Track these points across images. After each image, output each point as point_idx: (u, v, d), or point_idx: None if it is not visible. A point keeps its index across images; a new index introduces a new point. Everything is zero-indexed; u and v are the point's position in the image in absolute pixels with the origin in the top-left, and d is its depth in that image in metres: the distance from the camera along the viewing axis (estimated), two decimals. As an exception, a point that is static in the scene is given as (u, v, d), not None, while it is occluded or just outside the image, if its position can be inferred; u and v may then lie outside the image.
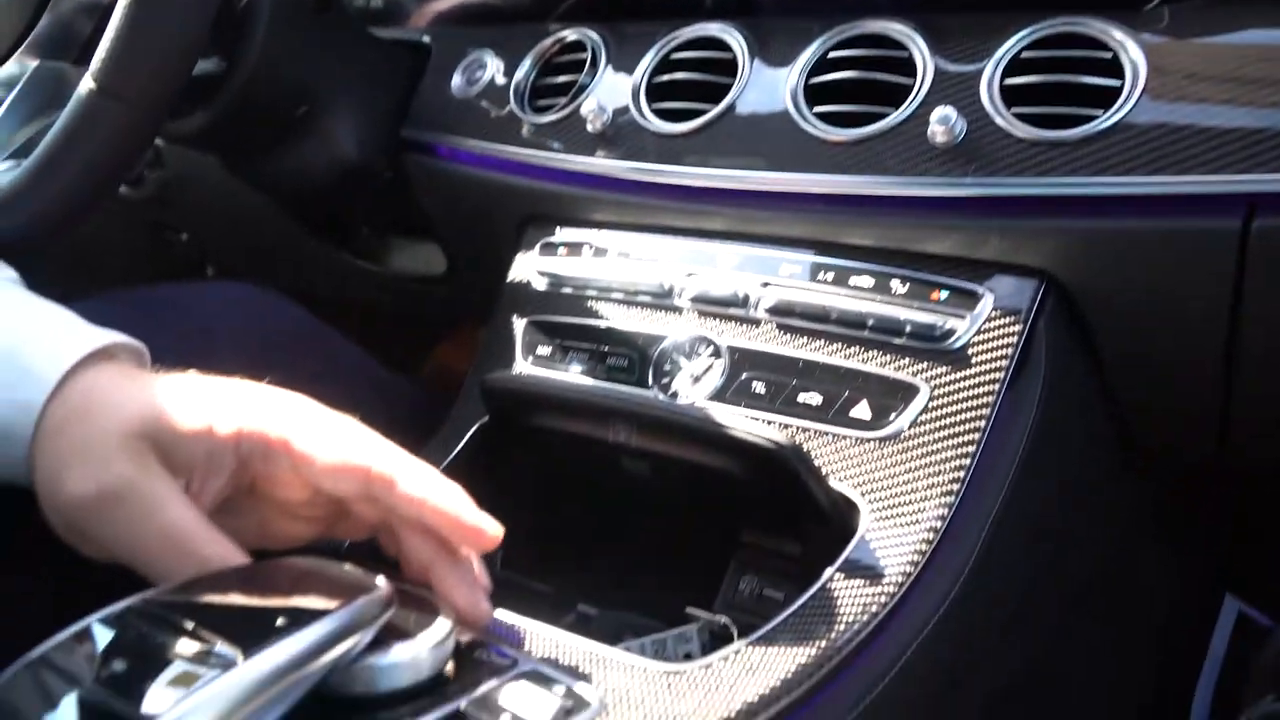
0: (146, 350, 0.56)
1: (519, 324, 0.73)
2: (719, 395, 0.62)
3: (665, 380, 0.65)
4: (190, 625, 0.40)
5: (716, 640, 0.54)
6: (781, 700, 0.46)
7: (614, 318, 0.69)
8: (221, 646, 0.39)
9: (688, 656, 0.54)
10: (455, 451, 0.66)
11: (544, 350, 0.70)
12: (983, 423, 0.56)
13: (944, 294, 0.60)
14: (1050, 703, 0.67)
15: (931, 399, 0.58)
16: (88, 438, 0.49)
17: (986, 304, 0.59)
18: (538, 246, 0.75)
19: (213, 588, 0.45)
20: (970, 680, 0.58)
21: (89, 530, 0.49)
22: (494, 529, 0.49)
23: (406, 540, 0.51)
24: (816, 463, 0.56)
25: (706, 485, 0.59)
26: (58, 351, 0.51)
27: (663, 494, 0.63)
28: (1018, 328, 0.58)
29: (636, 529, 0.66)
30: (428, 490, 0.49)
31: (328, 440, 0.50)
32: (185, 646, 0.39)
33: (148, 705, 0.37)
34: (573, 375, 0.68)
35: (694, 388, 0.64)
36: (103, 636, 0.41)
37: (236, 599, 0.44)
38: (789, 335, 0.63)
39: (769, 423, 0.58)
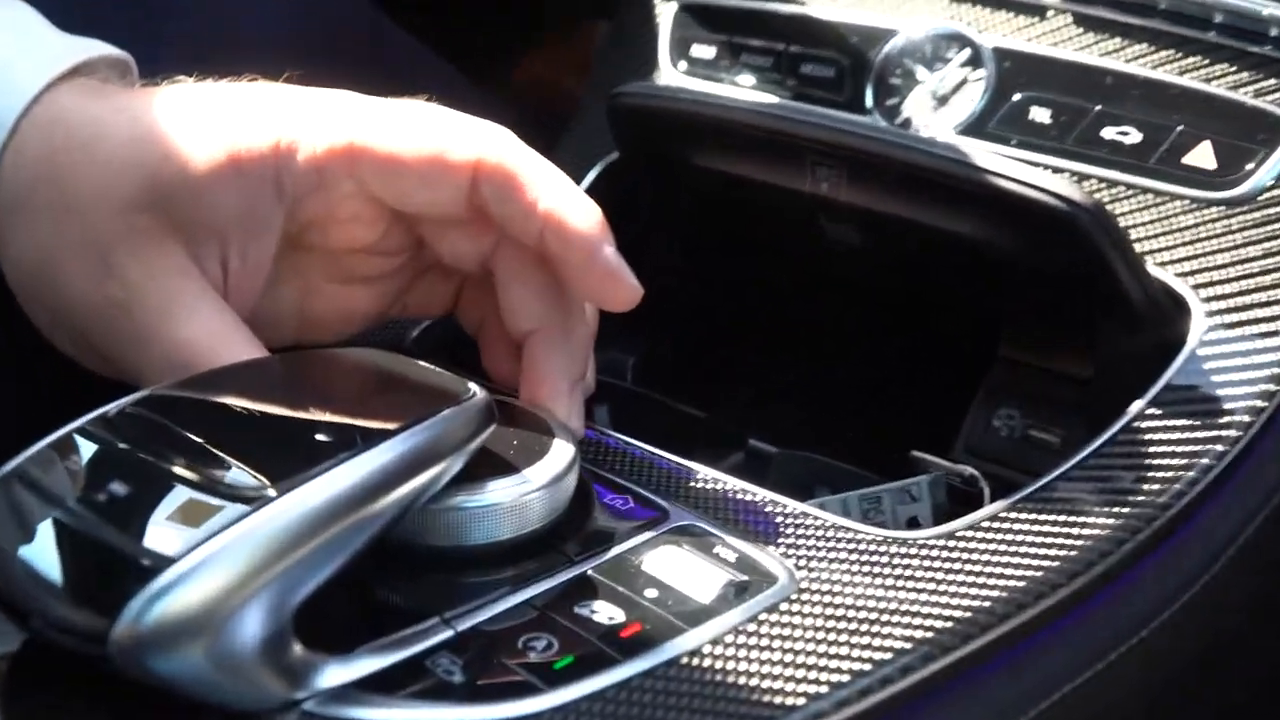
0: (133, 62, 0.56)
1: (664, 9, 0.70)
2: (977, 125, 0.61)
3: (893, 100, 0.63)
4: (203, 440, 0.41)
5: (957, 499, 0.54)
6: (1060, 590, 0.45)
7: None
8: (246, 473, 0.40)
9: (911, 522, 0.54)
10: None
11: (703, 50, 0.68)
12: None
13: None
14: None
15: (1316, 141, 0.55)
16: (72, 215, 0.49)
17: None
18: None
19: (235, 388, 0.45)
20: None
21: (90, 340, 0.50)
22: (634, 282, 0.49)
23: (510, 291, 0.51)
24: (1129, 234, 0.54)
25: (949, 266, 0.58)
26: (13, 78, 0.51)
27: (879, 277, 0.62)
28: None
29: (836, 331, 0.65)
30: (559, 194, 0.49)
31: (414, 129, 0.49)
32: (196, 469, 0.40)
33: (152, 541, 0.38)
34: (747, 89, 0.66)
35: (938, 113, 0.62)
36: (88, 449, 0.42)
37: (269, 406, 0.44)
38: (1090, 34, 0.60)
39: (1055, 170, 0.56)
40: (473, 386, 0.44)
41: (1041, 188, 0.52)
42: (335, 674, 0.40)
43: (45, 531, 0.39)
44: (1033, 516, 0.47)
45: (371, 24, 0.81)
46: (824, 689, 0.41)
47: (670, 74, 0.68)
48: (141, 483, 0.40)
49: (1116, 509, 0.47)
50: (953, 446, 0.58)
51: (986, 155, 0.53)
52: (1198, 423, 0.50)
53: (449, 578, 0.44)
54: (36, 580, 0.39)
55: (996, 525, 0.47)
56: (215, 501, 0.39)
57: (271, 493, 0.39)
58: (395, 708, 0.39)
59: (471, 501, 0.44)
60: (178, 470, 0.40)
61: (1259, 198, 0.55)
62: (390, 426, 0.41)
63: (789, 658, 0.42)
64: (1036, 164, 0.56)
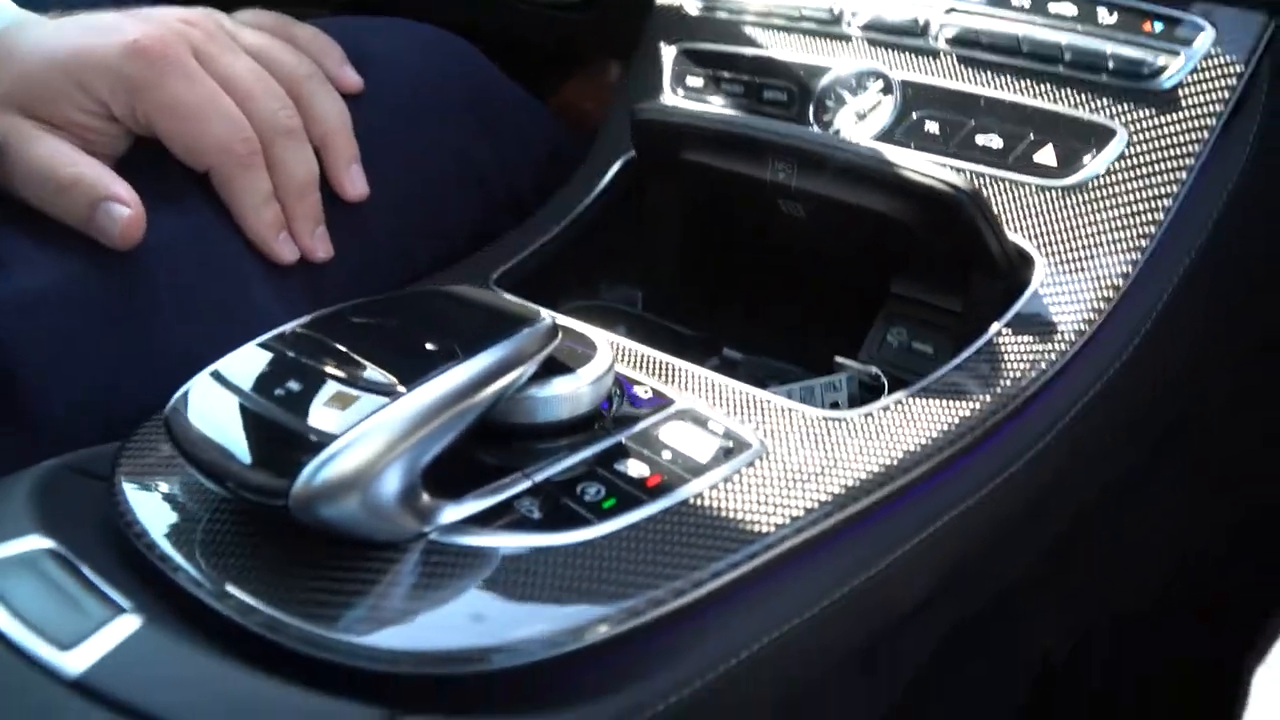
0: None
1: (668, 52, 0.70)
2: (887, 134, 0.60)
3: (828, 116, 0.62)
4: (353, 350, 0.42)
5: (866, 391, 0.54)
6: (944, 450, 0.46)
7: (773, 46, 0.66)
8: (383, 374, 0.40)
9: (834, 406, 0.54)
10: (600, 187, 0.65)
11: (694, 81, 0.68)
12: (1184, 174, 0.53)
13: (1158, 25, 0.56)
14: (1209, 454, 0.65)
15: (1130, 145, 0.54)
16: None
17: (1206, 39, 0.55)
18: (689, -35, 0.72)
19: (374, 314, 0.46)
20: (1137, 435, 0.57)
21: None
22: None
23: None
24: (994, 210, 0.54)
25: (865, 232, 0.57)
26: None
27: (816, 240, 0.62)
28: (1238, 69, 0.53)
29: (784, 275, 0.65)
30: None
31: None
32: (348, 370, 0.41)
33: (316, 422, 0.39)
34: (726, 109, 0.66)
35: (859, 125, 0.61)
36: (265, 356, 0.43)
37: (398, 326, 0.45)
38: (971, 70, 0.60)
39: (943, 165, 0.56)
40: (542, 313, 0.45)
41: (934, 177, 0.52)
42: (451, 513, 0.41)
43: (235, 417, 0.40)
44: (925, 401, 0.48)
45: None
46: (788, 521, 0.42)
47: (670, 97, 0.68)
48: (307, 380, 0.41)
49: (978, 396, 0.48)
50: (859, 353, 0.58)
51: (895, 154, 0.54)
52: (1036, 340, 0.50)
53: (528, 445, 0.44)
54: (228, 454, 0.40)
55: (901, 407, 0.48)
56: (361, 395, 0.40)
57: (402, 389, 0.40)
58: (493, 535, 0.41)
59: (542, 392, 0.44)
60: (333, 371, 0.41)
61: (1086, 185, 0.54)
62: (484, 341, 0.42)
63: (763, 500, 0.43)
64: (930, 161, 0.56)
